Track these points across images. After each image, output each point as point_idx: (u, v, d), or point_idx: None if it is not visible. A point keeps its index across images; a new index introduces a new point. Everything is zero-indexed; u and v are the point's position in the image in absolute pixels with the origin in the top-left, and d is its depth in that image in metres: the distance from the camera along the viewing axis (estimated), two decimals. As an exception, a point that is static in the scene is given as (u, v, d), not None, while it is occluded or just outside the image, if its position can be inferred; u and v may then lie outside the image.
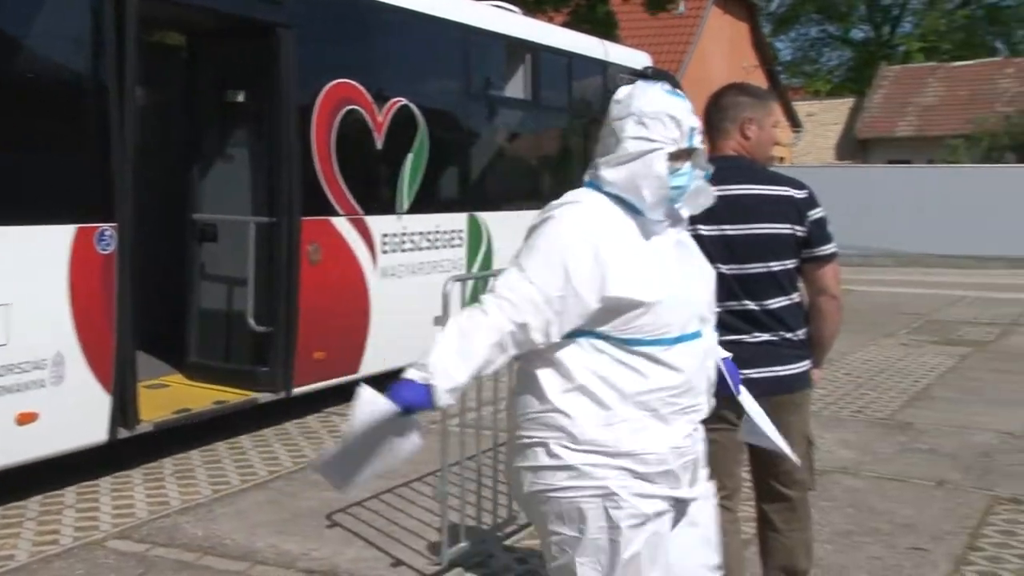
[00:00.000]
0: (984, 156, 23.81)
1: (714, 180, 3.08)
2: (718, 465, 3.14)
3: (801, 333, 3.10)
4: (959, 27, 40.25)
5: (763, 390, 3.03)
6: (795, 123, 30.42)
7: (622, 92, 2.35)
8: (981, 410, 6.92)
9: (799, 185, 3.11)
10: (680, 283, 2.30)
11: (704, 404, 2.40)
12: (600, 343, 2.23)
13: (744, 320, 3.03)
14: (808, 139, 31.75)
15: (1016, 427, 6.40)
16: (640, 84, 2.34)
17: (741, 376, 3.01)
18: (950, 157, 24.10)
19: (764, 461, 3.18)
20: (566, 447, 2.22)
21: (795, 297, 3.10)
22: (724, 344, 3.02)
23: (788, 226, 3.02)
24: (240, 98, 6.25)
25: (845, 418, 6.69)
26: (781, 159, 26.44)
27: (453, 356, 2.14)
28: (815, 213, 3.07)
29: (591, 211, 2.28)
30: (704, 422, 3.11)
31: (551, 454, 2.23)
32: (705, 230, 3.02)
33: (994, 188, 19.42)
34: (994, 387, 7.74)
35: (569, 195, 2.35)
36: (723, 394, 3.05)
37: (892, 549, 4.23)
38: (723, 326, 3.03)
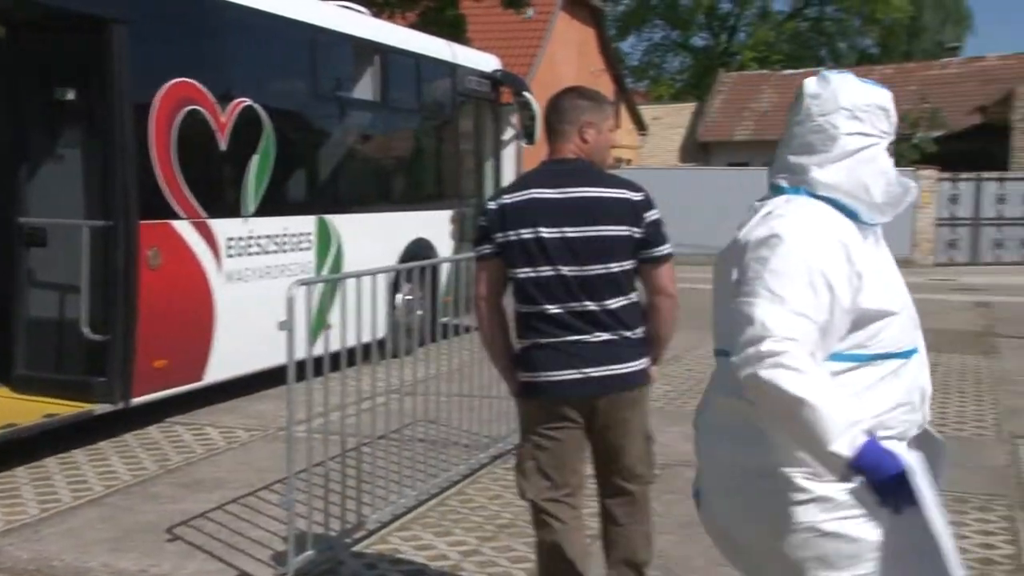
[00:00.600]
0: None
1: (555, 183, 3.16)
2: (562, 463, 3.21)
3: (639, 331, 3.19)
4: (788, 38, 42.45)
5: (604, 387, 3.12)
6: (641, 126, 31.32)
7: (816, 86, 2.19)
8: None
9: (636, 188, 3.20)
10: (904, 290, 2.16)
11: (921, 420, 2.17)
12: (845, 363, 2.01)
13: (585, 320, 3.10)
14: (654, 142, 32.73)
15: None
16: (835, 75, 2.19)
17: (583, 374, 3.09)
18: (784, 160, 25.31)
19: (606, 458, 3.26)
20: (821, 480, 1.98)
21: (633, 297, 3.19)
22: (566, 344, 3.10)
23: (626, 228, 3.10)
24: (70, 96, 5.97)
25: (688, 412, 6.85)
26: (628, 161, 27.17)
27: (849, 407, 1.90)
28: (651, 215, 3.16)
29: (825, 219, 2.05)
30: (547, 422, 3.18)
31: (802, 488, 2.00)
32: (546, 232, 3.08)
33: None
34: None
35: (780, 206, 2.11)
36: (568, 394, 3.12)
37: (730, 537, 4.41)
38: (565, 326, 3.10)
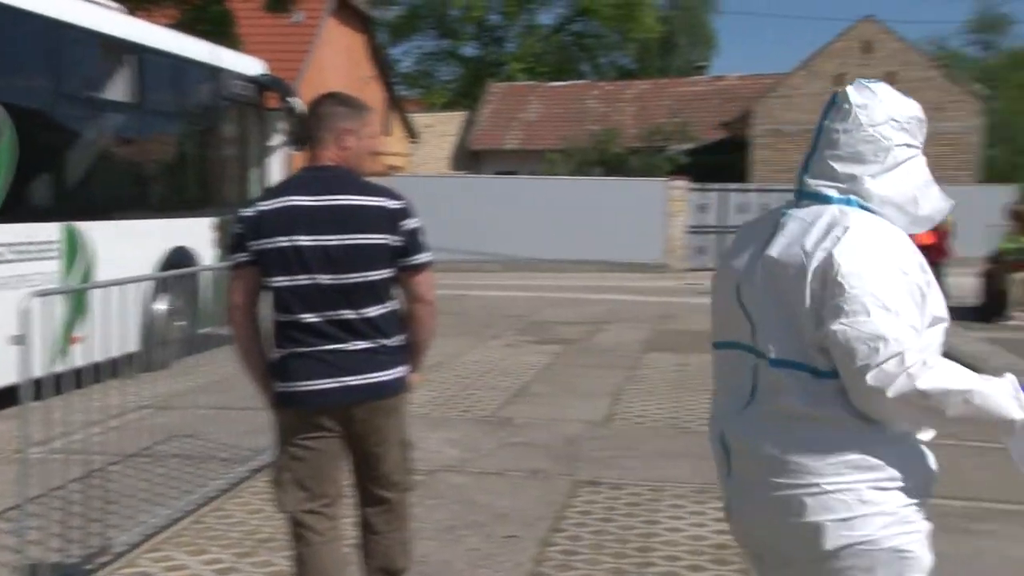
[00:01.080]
0: (576, 169, 26.18)
1: (313, 190, 3.15)
2: (320, 473, 3.21)
3: (398, 339, 3.22)
4: (553, 51, 44.03)
5: (362, 396, 3.14)
6: (412, 134, 31.51)
7: (862, 96, 2.14)
8: (571, 402, 7.62)
9: (395, 196, 3.23)
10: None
11: None
12: None
13: (343, 329, 3.10)
14: (426, 150, 33.00)
15: (598, 416, 7.14)
16: (876, 85, 2.15)
17: (341, 383, 3.11)
18: (549, 169, 26.23)
19: (364, 466, 3.29)
20: (887, 489, 1.99)
21: (391, 305, 3.23)
22: (324, 353, 3.10)
23: (384, 236, 3.13)
24: None
25: (453, 418, 7.06)
26: (400, 169, 27.25)
27: (991, 378, 1.96)
28: (410, 223, 3.19)
29: (894, 231, 2.04)
30: (304, 433, 3.17)
31: (866, 500, 1.98)
32: (305, 241, 3.07)
33: (585, 198, 21.42)
34: (583, 380, 8.55)
35: (846, 219, 2.04)
36: (326, 403, 3.12)
37: (489, 539, 4.55)
38: (322, 335, 3.10)
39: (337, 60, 23.77)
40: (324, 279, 3.06)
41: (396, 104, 28.85)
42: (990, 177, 27.67)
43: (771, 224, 2.15)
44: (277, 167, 11.20)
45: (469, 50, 46.84)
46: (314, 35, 22.20)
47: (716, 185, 22.28)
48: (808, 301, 1.99)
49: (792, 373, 2.02)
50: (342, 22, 24.51)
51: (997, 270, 12.30)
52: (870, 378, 1.90)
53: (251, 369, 3.22)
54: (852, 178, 2.09)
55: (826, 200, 2.09)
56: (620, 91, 33.81)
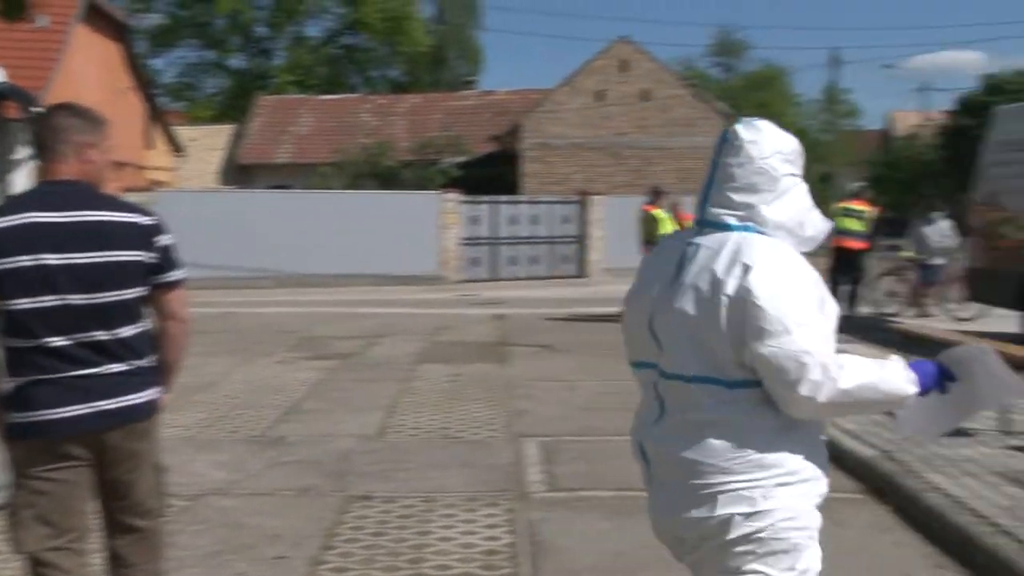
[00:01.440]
0: (350, 183, 26.01)
1: (56, 205, 2.98)
2: (66, 507, 3.03)
3: (151, 360, 3.11)
4: (324, 63, 43.59)
5: (118, 420, 3.00)
6: (177, 148, 30.24)
7: (750, 132, 2.37)
8: (344, 417, 7.56)
9: (145, 212, 3.12)
10: None
11: None
12: None
13: (96, 351, 2.96)
14: (192, 164, 31.74)
15: (371, 430, 7.12)
16: (761, 122, 2.39)
17: (95, 408, 2.95)
18: (322, 183, 25.91)
19: (114, 494, 3.13)
20: (789, 484, 2.26)
21: (145, 324, 3.11)
22: (73, 379, 2.93)
23: (138, 253, 3.02)
24: None
25: (220, 439, 6.84)
26: (165, 183, 26.07)
27: (882, 363, 2.31)
28: (163, 239, 3.09)
29: (793, 252, 2.31)
30: (47, 464, 2.98)
31: (768, 496, 2.24)
32: (53, 259, 2.90)
33: (359, 211, 21.30)
34: (356, 395, 8.50)
35: (749, 244, 2.27)
36: (76, 431, 2.95)
37: (257, 562, 4.44)
38: (71, 359, 2.93)
39: (90, 69, 22.43)
40: (75, 299, 2.91)
41: (158, 116, 27.58)
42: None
43: (678, 252, 2.36)
44: (23, 180, 10.47)
45: (235, 62, 45.54)
46: (62, 42, 20.83)
47: (487, 197, 22.74)
48: (724, 323, 2.21)
49: (705, 387, 2.26)
50: (94, 29, 23.17)
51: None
52: (803, 390, 2.18)
53: None
54: (749, 206, 2.33)
55: (727, 227, 2.32)
56: (392, 105, 33.90)
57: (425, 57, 43.06)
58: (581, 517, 5.14)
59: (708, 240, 2.32)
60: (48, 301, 2.90)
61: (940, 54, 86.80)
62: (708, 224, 2.36)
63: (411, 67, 44.26)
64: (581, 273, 22.91)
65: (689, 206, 15.64)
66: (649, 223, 14.16)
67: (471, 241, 22.22)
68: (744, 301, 2.19)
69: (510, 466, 6.15)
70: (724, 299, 2.20)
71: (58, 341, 2.92)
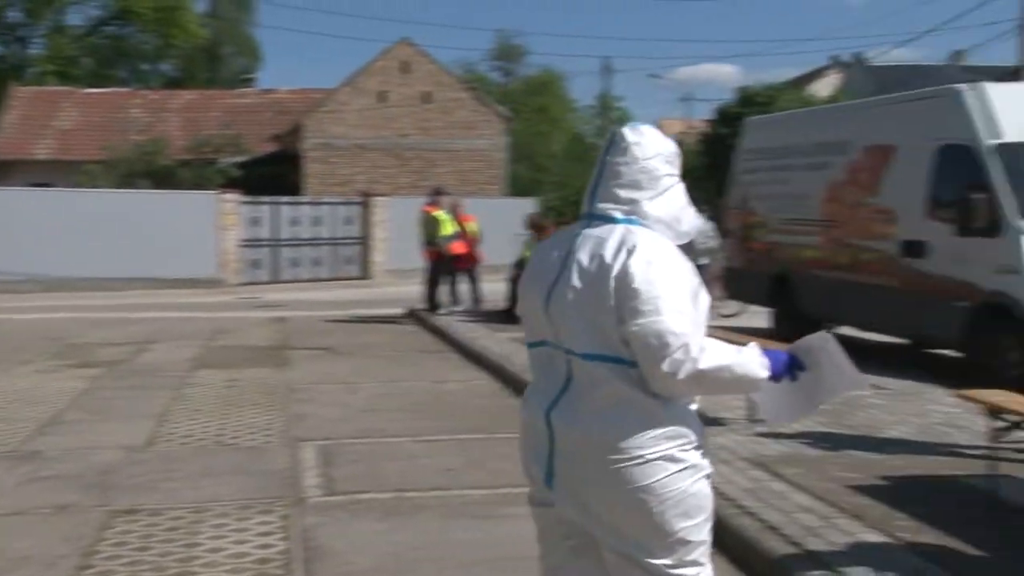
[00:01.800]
0: (121, 181, 24.66)
1: None
2: None
3: None
4: (89, 53, 41.07)
5: None
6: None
7: (635, 135, 2.59)
8: (110, 428, 7.17)
9: None
10: None
11: None
12: None
13: None
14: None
15: (138, 440, 6.80)
16: (644, 126, 2.63)
17: None
18: (89, 182, 24.42)
19: None
20: (688, 450, 2.50)
21: None
22: None
23: None
24: None
25: (-33, 457, 6.34)
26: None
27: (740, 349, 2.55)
28: None
29: (667, 242, 2.53)
30: None
31: (676, 459, 2.48)
32: None
33: (132, 212, 20.26)
34: (124, 404, 8.09)
35: (633, 235, 2.49)
36: None
37: (4, 586, 4.16)
38: None
39: None
40: None
41: None
42: (515, 191, 30.52)
43: (568, 242, 2.59)
44: None
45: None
46: None
47: (268, 198, 22.20)
48: (612, 303, 2.44)
49: (605, 364, 2.47)
50: None
51: (520, 275, 13.60)
52: (664, 366, 2.40)
53: None
54: (633, 202, 2.57)
55: (613, 220, 2.56)
56: (165, 100, 32.41)
57: (200, 52, 41.42)
58: (358, 520, 5.12)
59: (597, 231, 2.56)
60: None
61: (701, 66, 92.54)
62: (596, 217, 2.60)
63: (185, 62, 42.44)
64: (364, 275, 22.78)
65: (469, 208, 15.92)
66: (430, 224, 14.28)
67: (251, 243, 21.62)
68: (625, 283, 2.43)
69: (286, 471, 6.04)
70: (611, 282, 2.44)
71: None
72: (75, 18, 42.86)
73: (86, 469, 6.03)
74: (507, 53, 46.85)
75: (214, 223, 20.99)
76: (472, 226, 14.76)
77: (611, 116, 43.62)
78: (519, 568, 4.42)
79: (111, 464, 6.17)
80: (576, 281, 2.51)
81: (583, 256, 2.52)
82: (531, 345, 2.69)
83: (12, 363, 10.09)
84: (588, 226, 2.59)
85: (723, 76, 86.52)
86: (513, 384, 8.76)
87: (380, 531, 4.98)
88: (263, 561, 4.48)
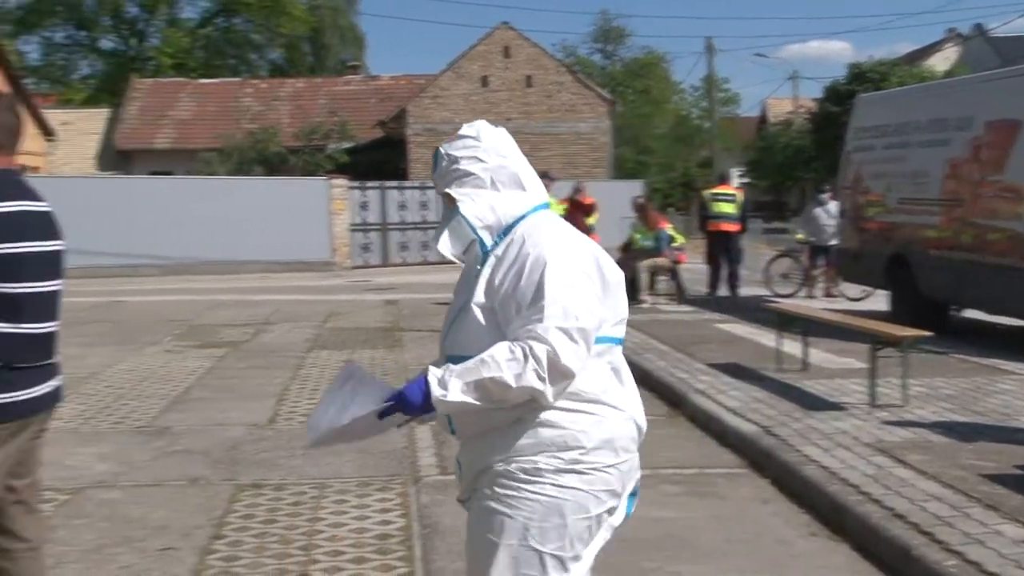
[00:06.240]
0: (236, 168, 25.43)
1: (31, 195, 3.00)
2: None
3: None
4: (202, 45, 42.38)
5: (47, 403, 3.05)
6: (48, 132, 29.02)
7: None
8: (234, 405, 7.44)
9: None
10: None
11: None
12: None
13: (54, 342, 3.07)
14: (67, 149, 30.54)
15: (261, 417, 7.03)
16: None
17: (30, 394, 2.95)
18: (206, 169, 25.25)
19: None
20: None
21: None
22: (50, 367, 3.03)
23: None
24: None
25: (104, 431, 6.65)
26: (36, 169, 25.01)
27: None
28: None
29: None
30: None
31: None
32: (42, 247, 2.96)
33: (247, 198, 20.87)
34: (246, 383, 8.37)
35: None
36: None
37: (143, 554, 4.35)
38: (53, 344, 3.04)
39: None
40: (51, 286, 3.01)
41: (25, 99, 26.40)
42: (620, 174, 30.32)
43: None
44: None
45: (108, 43, 43.90)
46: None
47: (375, 183, 22.58)
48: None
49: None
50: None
51: (627, 258, 13.53)
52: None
53: None
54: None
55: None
56: (275, 89, 33.24)
57: (304, 40, 42.31)
58: (474, 498, 5.20)
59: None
60: (52, 285, 2.98)
61: (810, 43, 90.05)
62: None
63: (291, 51, 43.42)
64: (472, 258, 22.97)
65: (590, 190, 15.80)
66: (537, 207, 14.29)
67: (361, 227, 22.04)
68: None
69: (402, 450, 6.16)
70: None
71: (51, 326, 3.01)
72: (188, 11, 44.32)
73: (213, 445, 6.27)
74: (609, 35, 46.46)
75: (325, 208, 21.47)
76: (591, 220, 14.71)
77: (716, 97, 42.85)
78: (636, 550, 4.43)
79: (236, 440, 6.40)
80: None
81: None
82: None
83: (141, 343, 10.54)
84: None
85: (833, 53, 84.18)
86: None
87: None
88: (383, 537, 4.59)
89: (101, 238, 18.18)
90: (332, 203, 21.56)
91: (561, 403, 2.32)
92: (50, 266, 3.02)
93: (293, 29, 40.45)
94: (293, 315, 13.15)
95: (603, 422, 2.37)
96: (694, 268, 15.46)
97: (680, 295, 13.55)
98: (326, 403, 2.43)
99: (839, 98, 30.85)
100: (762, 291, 14.29)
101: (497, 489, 2.34)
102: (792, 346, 8.21)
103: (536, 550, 2.32)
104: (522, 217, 2.44)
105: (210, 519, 4.79)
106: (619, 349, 2.47)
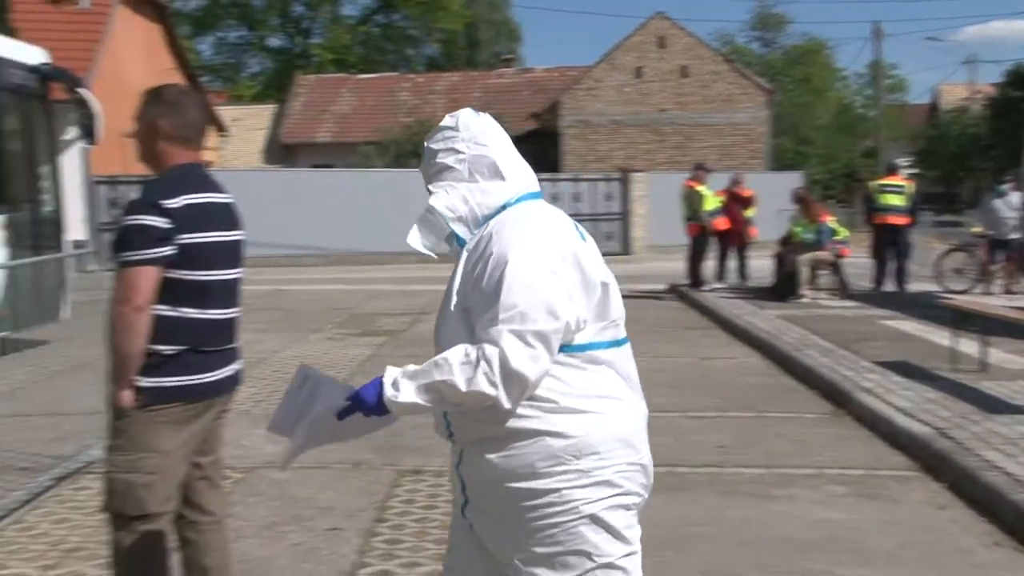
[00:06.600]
0: (392, 161, 26.07)
1: (214, 187, 3.14)
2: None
3: None
4: (362, 41, 43.65)
5: (229, 385, 3.20)
6: (220, 128, 30.51)
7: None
8: (393, 393, 7.58)
9: None
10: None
11: None
12: None
13: (235, 328, 3.22)
14: (236, 144, 32.04)
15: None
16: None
17: (214, 376, 3.10)
18: (364, 162, 26.00)
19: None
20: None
21: None
22: (231, 352, 3.16)
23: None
24: None
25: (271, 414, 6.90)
26: (210, 163, 26.37)
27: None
28: None
29: None
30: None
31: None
32: (225, 236, 3.10)
33: (404, 190, 21.33)
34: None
35: None
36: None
37: (312, 533, 4.50)
38: (233, 329, 3.18)
39: (133, 52, 22.67)
40: (234, 274, 3.15)
41: (202, 97, 27.83)
42: (778, 165, 29.46)
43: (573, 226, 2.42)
44: (73, 163, 10.60)
45: (275, 41, 45.78)
46: (105, 25, 21.08)
47: (529, 175, 22.68)
48: None
49: None
50: (135, 11, 23.40)
51: (787, 252, 13.12)
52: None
53: (129, 370, 2.97)
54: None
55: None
56: (431, 83, 33.89)
57: (460, 35, 42.94)
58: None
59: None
60: (221, 275, 3.08)
61: (990, 24, 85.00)
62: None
63: (447, 46, 44.16)
64: (625, 250, 22.81)
65: (748, 182, 15.46)
66: (692, 199, 14.06)
67: (514, 218, 22.18)
68: None
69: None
70: None
71: (231, 312, 3.15)
72: (349, 9, 45.74)
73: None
74: (768, 22, 45.22)
75: (479, 200, 21.72)
76: (749, 213, 14.38)
77: (883, 84, 41.08)
78: (801, 550, 4.27)
79: (397, 427, 6.46)
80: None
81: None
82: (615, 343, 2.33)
83: (305, 331, 10.92)
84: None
85: (1015, 34, 79.16)
86: (784, 362, 8.48)
87: (654, 504, 4.91)
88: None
89: (267, 229, 18.94)
90: (486, 195, 21.80)
91: (566, 405, 2.18)
92: (232, 255, 3.14)
93: (449, 24, 41.15)
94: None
95: (611, 421, 2.23)
96: (857, 262, 14.85)
97: (843, 290, 13.04)
98: (285, 406, 2.38)
99: (1021, 82, 29.05)
100: (931, 287, 13.57)
101: (528, 526, 2.19)
102: (968, 345, 7.76)
103: (590, 558, 2.20)
104: (503, 207, 2.30)
105: (372, 502, 4.91)
106: (618, 351, 2.30)
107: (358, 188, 21.22)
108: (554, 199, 22.57)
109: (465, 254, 2.27)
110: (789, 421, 6.70)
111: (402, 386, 2.17)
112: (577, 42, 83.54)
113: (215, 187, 3.14)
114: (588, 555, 2.19)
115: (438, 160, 2.35)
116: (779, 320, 10.51)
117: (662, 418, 6.72)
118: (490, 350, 2.09)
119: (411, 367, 2.21)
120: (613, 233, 23.07)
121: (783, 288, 12.81)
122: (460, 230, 2.31)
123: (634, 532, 2.30)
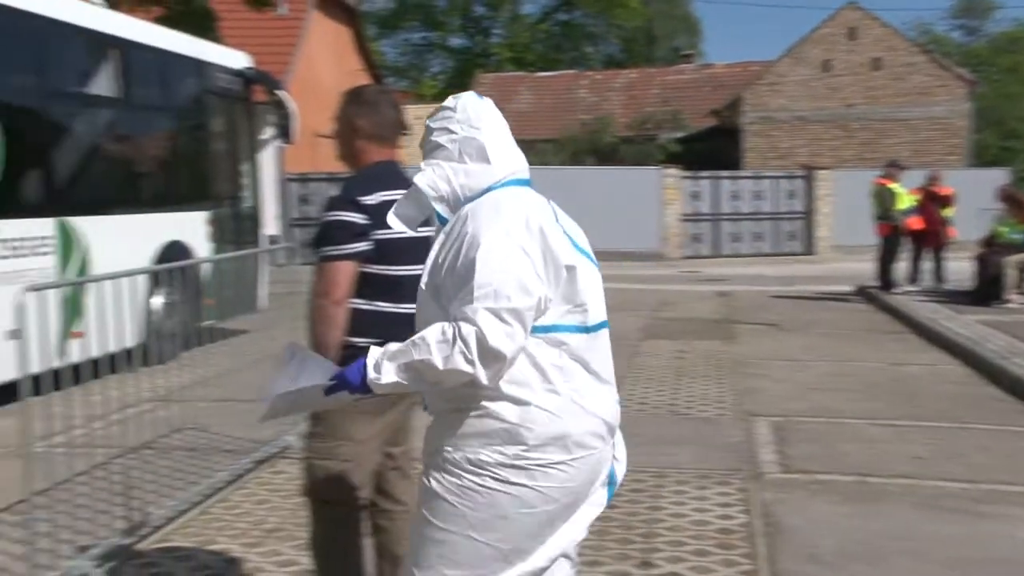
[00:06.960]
0: (569, 159, 26.14)
1: (404, 184, 3.17)
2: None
3: None
4: (541, 40, 44.01)
5: None
6: (404, 126, 31.47)
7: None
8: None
9: None
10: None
11: None
12: None
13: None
14: (418, 142, 32.93)
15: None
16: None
17: None
18: (541, 160, 26.21)
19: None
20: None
21: None
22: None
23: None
24: None
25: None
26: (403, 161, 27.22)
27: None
28: None
29: None
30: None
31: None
32: (412, 231, 3.15)
33: (581, 188, 21.37)
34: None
35: None
36: None
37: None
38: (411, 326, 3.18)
39: (325, 54, 23.70)
40: (415, 270, 3.12)
41: (387, 97, 28.76)
42: (981, 161, 27.73)
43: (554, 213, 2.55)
44: (269, 161, 11.17)
45: (457, 41, 46.83)
46: (300, 29, 22.12)
47: (708, 173, 22.27)
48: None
49: None
50: (327, 15, 24.42)
51: (991, 253, 12.31)
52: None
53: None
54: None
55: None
56: (609, 80, 33.79)
57: (640, 32, 42.60)
58: (818, 500, 4.94)
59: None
60: (410, 270, 3.07)
61: None
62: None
63: (626, 43, 43.91)
64: (808, 250, 22.04)
65: (944, 180, 14.65)
66: (884, 197, 13.41)
67: (692, 217, 21.85)
68: None
69: (741, 445, 6.00)
70: None
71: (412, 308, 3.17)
72: (530, 8, 46.23)
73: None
74: (972, 9, 42.61)
75: (657, 198, 21.50)
76: (948, 212, 13.61)
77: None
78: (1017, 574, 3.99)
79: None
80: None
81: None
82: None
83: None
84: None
85: None
86: (988, 371, 7.97)
87: (843, 514, 4.75)
88: (725, 532, 4.47)
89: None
90: (664, 193, 21.55)
91: (510, 393, 2.20)
92: (422, 251, 3.19)
93: (628, 20, 40.92)
94: (624, 303, 13.26)
95: (554, 419, 2.22)
96: (1069, 266, 13.78)
97: (1053, 295, 12.12)
98: (274, 379, 2.48)
99: None
100: None
101: (445, 475, 2.25)
102: None
103: (474, 539, 2.22)
104: (486, 191, 2.35)
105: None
106: (586, 338, 2.30)
107: (538, 186, 21.28)
108: (734, 197, 22.08)
109: (442, 236, 2.34)
110: (995, 434, 6.28)
111: (383, 368, 2.24)
112: (761, 36, 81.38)
113: (408, 184, 3.20)
114: (463, 517, 2.22)
115: (433, 138, 2.44)
116: (980, 326, 9.88)
117: (848, 425, 6.46)
118: (466, 328, 2.13)
119: (392, 346, 2.27)
120: (796, 232, 22.33)
121: (986, 292, 12.04)
122: (441, 209, 2.39)
123: (535, 541, 2.27)
